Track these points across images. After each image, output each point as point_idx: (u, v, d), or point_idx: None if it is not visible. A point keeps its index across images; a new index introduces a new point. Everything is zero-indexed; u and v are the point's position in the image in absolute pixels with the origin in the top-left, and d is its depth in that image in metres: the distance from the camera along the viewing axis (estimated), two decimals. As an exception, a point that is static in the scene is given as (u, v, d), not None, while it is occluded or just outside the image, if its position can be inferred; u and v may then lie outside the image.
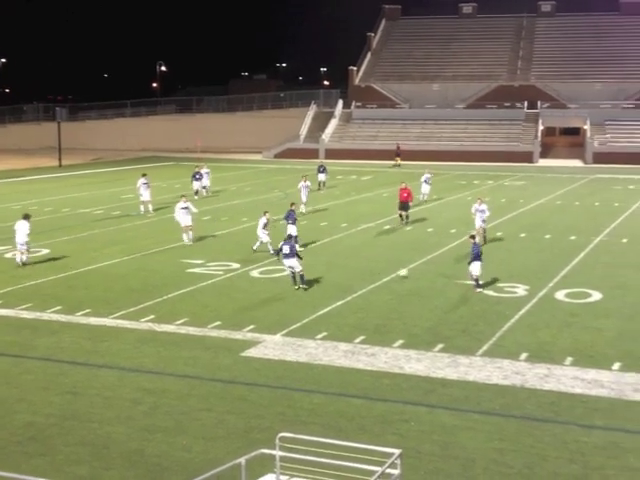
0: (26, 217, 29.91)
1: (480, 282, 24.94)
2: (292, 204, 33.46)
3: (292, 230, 30.71)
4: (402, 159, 72.10)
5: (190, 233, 33.38)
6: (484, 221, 32.26)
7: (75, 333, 20.87)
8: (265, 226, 30.51)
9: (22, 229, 29.20)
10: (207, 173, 50.20)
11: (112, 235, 35.43)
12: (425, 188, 45.37)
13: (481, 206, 32.20)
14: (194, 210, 34.28)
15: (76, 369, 18.22)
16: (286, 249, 25.03)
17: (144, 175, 43.69)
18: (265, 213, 30.77)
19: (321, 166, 54.37)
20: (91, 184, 57.23)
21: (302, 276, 25.16)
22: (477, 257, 24.64)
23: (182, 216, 33.50)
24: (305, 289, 24.94)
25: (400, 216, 37.67)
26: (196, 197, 46.68)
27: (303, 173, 46.42)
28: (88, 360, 18.79)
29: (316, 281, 26.36)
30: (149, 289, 25.37)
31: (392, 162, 71.63)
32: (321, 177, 53.12)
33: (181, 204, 33.81)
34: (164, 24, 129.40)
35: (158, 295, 24.54)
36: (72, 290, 25.44)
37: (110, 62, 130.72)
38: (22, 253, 29.27)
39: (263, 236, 30.49)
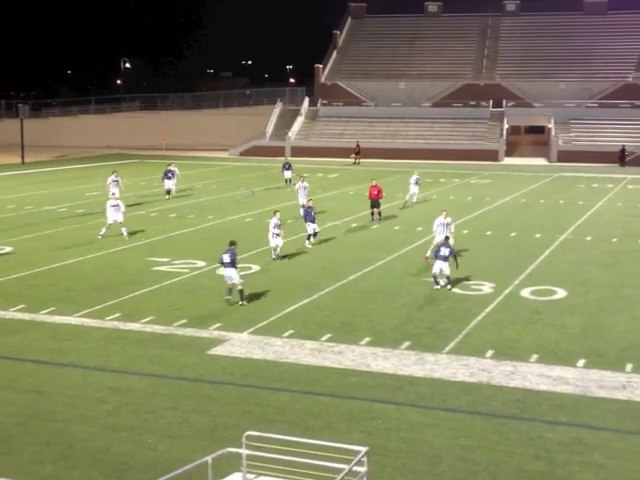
0: None
1: (439, 281, 25.05)
2: (310, 200, 34.31)
3: (312, 228, 31.82)
4: (363, 157, 72.33)
5: (124, 229, 33.68)
6: (447, 237, 27.26)
7: (39, 332, 20.65)
8: (277, 227, 28.82)
9: None
10: (173, 172, 49.48)
11: (77, 233, 35.11)
12: (414, 189, 43.77)
13: (446, 219, 29.08)
14: (123, 209, 34.19)
15: (40, 368, 18.03)
16: (226, 257, 22.77)
17: (114, 172, 43.80)
18: (275, 213, 29.16)
19: (286, 163, 54.51)
20: (55, 181, 56.69)
21: (241, 291, 22.89)
22: (445, 258, 24.63)
23: (112, 213, 33.78)
24: (242, 305, 22.78)
25: (372, 214, 37.76)
26: (167, 197, 45.66)
27: (300, 174, 44.75)
28: (52, 359, 18.60)
29: (283, 279, 26.32)
30: (114, 287, 25.17)
31: (351, 160, 71.93)
32: (287, 174, 53.31)
33: (111, 202, 34.42)
34: (128, 21, 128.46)
35: (123, 293, 24.35)
36: (36, 288, 25.17)
37: (74, 59, 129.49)
38: None
39: (273, 240, 28.81)
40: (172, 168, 47.85)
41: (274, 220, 28.82)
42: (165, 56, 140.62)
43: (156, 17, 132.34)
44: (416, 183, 43.87)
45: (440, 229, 28.22)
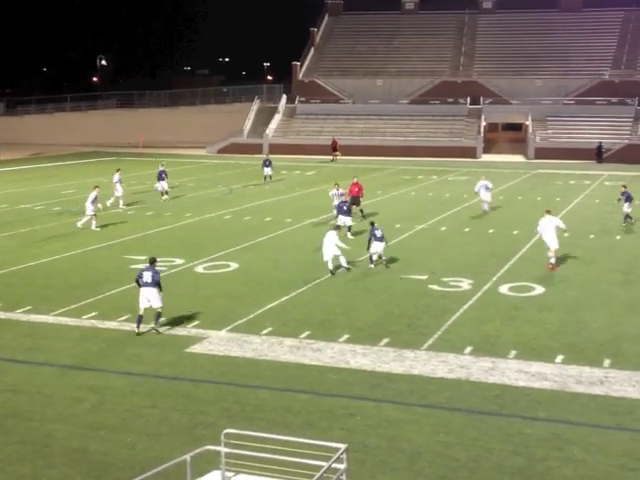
0: None
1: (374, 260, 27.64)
2: (342, 195, 34.49)
3: (346, 221, 32.31)
4: (342, 154, 72.58)
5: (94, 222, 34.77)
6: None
7: (15, 330, 20.48)
8: (381, 239, 27.77)
9: None
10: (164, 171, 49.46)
11: (53, 231, 34.85)
12: (485, 196, 40.02)
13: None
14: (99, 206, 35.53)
15: (16, 367, 17.88)
16: (147, 276, 20.02)
17: (118, 170, 43.51)
18: (336, 228, 28.07)
19: (267, 160, 54.51)
20: (31, 179, 56.28)
21: (159, 314, 20.25)
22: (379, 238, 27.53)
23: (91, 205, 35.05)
24: (157, 332, 20.17)
25: (361, 210, 37.84)
26: (164, 197, 44.19)
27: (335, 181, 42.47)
28: (29, 358, 18.45)
29: (261, 277, 26.26)
30: (91, 285, 25.01)
31: (330, 157, 72.15)
32: (267, 171, 53.42)
33: (93, 194, 35.29)
34: (105, 17, 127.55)
35: (100, 291, 24.21)
36: (12, 287, 24.97)
37: (49, 56, 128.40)
38: None
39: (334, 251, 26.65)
40: (164, 168, 47.04)
41: (332, 234, 26.64)
42: (141, 53, 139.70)
43: (133, 14, 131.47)
44: (487, 189, 40.00)
45: (549, 230, 27.68)
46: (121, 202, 42.19)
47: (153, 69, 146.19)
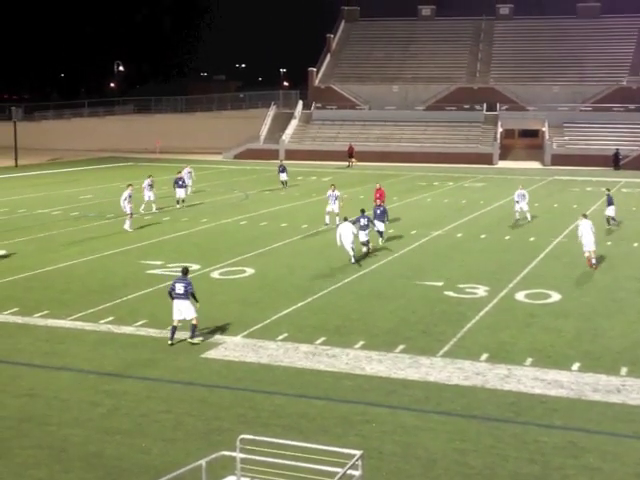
0: None
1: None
2: (375, 200, 34.52)
3: (379, 226, 32.17)
4: (358, 160, 72.64)
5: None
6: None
7: (32, 335, 20.58)
8: (365, 227, 29.99)
9: None
10: (190, 173, 50.19)
11: (71, 236, 35.02)
12: (523, 205, 39.07)
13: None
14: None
15: (33, 371, 17.96)
16: (179, 287, 19.71)
17: (150, 176, 43.65)
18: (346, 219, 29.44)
19: (281, 166, 54.70)
20: (48, 184, 56.55)
21: (194, 326, 19.84)
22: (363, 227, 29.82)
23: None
24: (193, 344, 19.79)
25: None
26: (178, 206, 43.56)
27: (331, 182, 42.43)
28: (46, 362, 18.54)
29: (277, 282, 26.29)
30: (108, 290, 25.10)
31: (346, 163, 72.23)
32: (283, 177, 53.63)
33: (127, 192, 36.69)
34: (122, 23, 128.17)
35: (117, 296, 24.30)
36: (30, 291, 25.10)
37: (67, 62, 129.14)
38: None
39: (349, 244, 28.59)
40: (185, 170, 48.27)
41: (347, 226, 28.74)
42: (159, 59, 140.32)
43: (149, 21, 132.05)
44: (523, 197, 39.13)
45: (587, 232, 28.60)
46: (154, 206, 42.40)
47: (167, 74, 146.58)
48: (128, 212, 36.63)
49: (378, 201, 34.70)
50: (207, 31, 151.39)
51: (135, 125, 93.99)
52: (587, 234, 28.51)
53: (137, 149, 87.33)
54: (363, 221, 30.18)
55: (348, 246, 28.60)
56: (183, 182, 44.59)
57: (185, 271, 20.29)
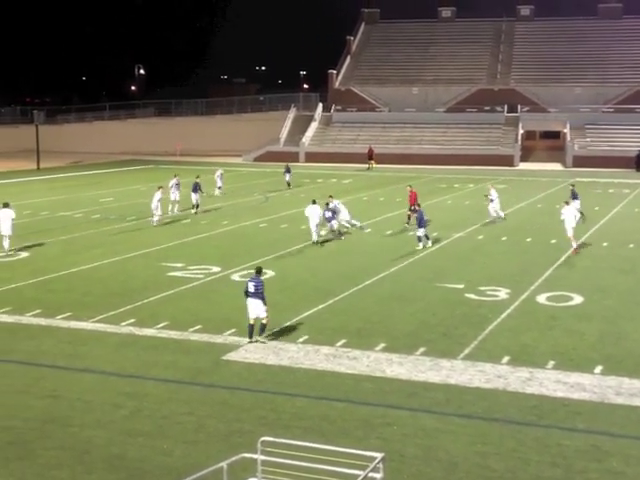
0: (7, 205, 32.25)
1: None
2: (416, 204, 35.21)
3: (418, 231, 32.43)
4: (377, 162, 72.65)
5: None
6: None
7: (55, 337, 20.70)
8: (330, 219, 33.76)
9: (7, 217, 31.61)
10: (221, 175, 51.71)
11: (92, 238, 35.21)
12: (495, 205, 40.06)
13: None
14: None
15: (56, 373, 18.07)
16: (251, 286, 19.82)
17: (176, 175, 44.19)
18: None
19: (286, 166, 56.76)
20: (70, 187, 56.90)
21: (264, 326, 20.01)
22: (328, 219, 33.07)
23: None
24: (263, 342, 20.05)
25: (408, 217, 37.89)
26: (193, 211, 42.81)
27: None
28: (68, 364, 18.64)
29: (298, 284, 26.31)
30: (129, 293, 25.21)
31: (366, 165, 72.26)
32: (287, 177, 55.68)
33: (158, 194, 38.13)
34: (143, 27, 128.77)
35: (138, 299, 24.39)
36: (52, 293, 25.25)
37: (88, 65, 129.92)
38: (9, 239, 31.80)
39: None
40: (218, 172, 50.86)
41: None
42: (179, 62, 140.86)
43: (170, 24, 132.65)
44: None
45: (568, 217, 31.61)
46: (176, 207, 42.50)
47: (186, 77, 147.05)
48: (159, 213, 38.57)
49: (417, 206, 34.66)
50: (227, 34, 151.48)
51: (156, 128, 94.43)
52: (568, 219, 31.36)
53: (158, 152, 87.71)
54: (327, 214, 33.84)
55: (313, 227, 32.87)
56: (198, 187, 43.51)
57: (259, 270, 20.49)
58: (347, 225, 36.05)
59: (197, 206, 43.25)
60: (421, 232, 32.37)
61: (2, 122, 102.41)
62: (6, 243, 31.82)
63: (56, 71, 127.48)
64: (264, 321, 19.94)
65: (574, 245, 31.33)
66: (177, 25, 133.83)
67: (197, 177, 44.97)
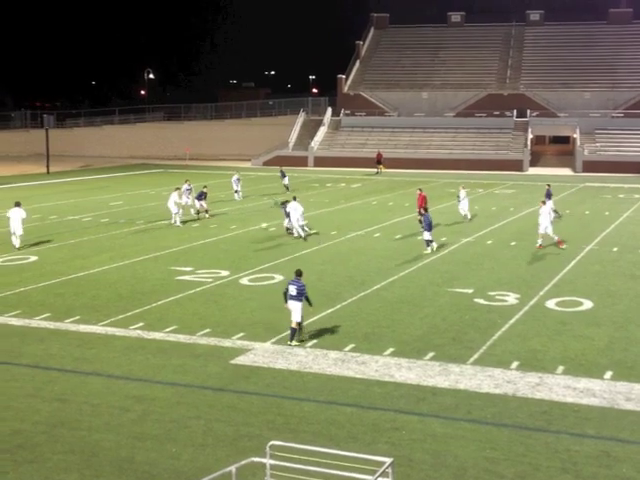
0: (18, 204, 33.88)
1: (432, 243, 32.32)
2: (422, 208, 35.70)
3: (425, 235, 32.63)
4: (387, 167, 72.65)
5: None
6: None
7: (64, 340, 20.72)
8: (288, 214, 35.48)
9: (18, 216, 33.19)
10: (238, 180, 51.81)
11: (101, 242, 35.26)
12: (463, 205, 41.90)
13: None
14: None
15: (65, 376, 18.07)
16: (292, 289, 20.03)
17: (187, 181, 44.85)
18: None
19: (281, 171, 57.71)
20: (79, 191, 57.02)
21: (300, 328, 20.37)
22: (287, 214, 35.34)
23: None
24: (301, 342, 20.26)
25: (420, 221, 37.98)
26: (196, 216, 42.38)
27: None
28: (77, 367, 18.65)
29: (307, 289, 26.24)
30: (138, 296, 25.23)
31: (370, 170, 72.21)
32: (285, 181, 56.21)
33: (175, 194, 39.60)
34: (152, 31, 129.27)
35: (147, 302, 24.40)
36: (61, 297, 25.28)
37: (97, 69, 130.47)
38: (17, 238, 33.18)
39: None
40: (234, 177, 51.48)
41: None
42: (188, 67, 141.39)
43: (179, 28, 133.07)
44: (464, 197, 42.00)
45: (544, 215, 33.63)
46: (192, 211, 42.54)
47: (195, 81, 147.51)
48: (175, 211, 39.59)
49: (422, 210, 34.94)
50: (236, 38, 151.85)
51: (165, 132, 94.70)
52: (544, 218, 33.43)
53: (167, 156, 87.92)
54: (286, 209, 36.10)
55: (295, 222, 35.27)
56: (205, 196, 43.01)
57: (299, 273, 20.49)
58: (296, 227, 36.03)
59: (204, 211, 42.82)
60: (427, 236, 32.45)
61: (12, 126, 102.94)
62: (17, 241, 33.23)
63: (66, 76, 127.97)
64: (296, 326, 20.17)
65: (539, 241, 33.48)
66: (187, 30, 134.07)
67: (204, 187, 43.92)
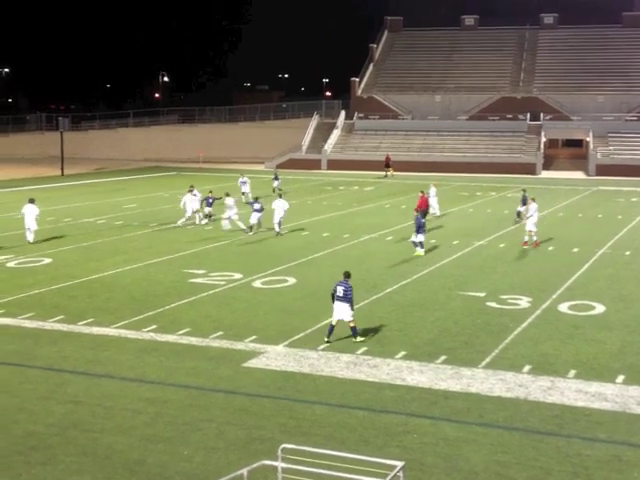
0: (32, 201, 35.82)
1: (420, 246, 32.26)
2: (416, 210, 35.33)
3: (413, 236, 32.64)
4: (400, 170, 72.54)
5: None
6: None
7: (77, 343, 20.84)
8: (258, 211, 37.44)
9: (31, 213, 35.11)
10: (245, 182, 52.22)
11: (115, 245, 35.41)
12: (433, 203, 43.56)
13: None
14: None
15: (78, 379, 18.18)
16: (340, 290, 20.45)
17: (192, 187, 43.60)
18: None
19: (275, 174, 58.62)
20: (93, 194, 57.26)
21: (354, 328, 20.69)
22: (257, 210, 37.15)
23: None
24: (361, 341, 20.66)
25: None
26: (206, 221, 41.95)
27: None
28: (90, 370, 18.75)
29: (319, 292, 26.32)
30: (151, 299, 25.34)
31: (382, 173, 72.01)
32: (275, 184, 56.15)
33: (188, 196, 40.70)
34: (166, 35, 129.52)
35: (160, 305, 24.51)
36: (74, 300, 25.41)
37: (113, 72, 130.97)
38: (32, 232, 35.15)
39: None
40: (240, 180, 52.17)
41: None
42: (203, 70, 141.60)
43: (194, 31, 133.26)
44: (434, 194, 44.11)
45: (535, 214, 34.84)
46: (197, 217, 42.38)
47: (210, 84, 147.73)
48: (189, 214, 40.55)
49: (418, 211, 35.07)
50: (250, 42, 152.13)
51: (179, 135, 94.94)
52: (534, 216, 34.40)
53: (181, 159, 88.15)
54: (257, 206, 37.88)
55: (277, 218, 37.22)
56: (213, 201, 42.61)
57: (348, 274, 20.79)
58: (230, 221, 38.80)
59: (210, 216, 42.41)
60: (416, 238, 32.58)
61: (27, 129, 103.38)
62: (30, 236, 35.25)
63: (81, 78, 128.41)
64: (352, 324, 20.54)
65: (526, 239, 34.85)
66: (201, 32, 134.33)
67: (210, 192, 43.49)
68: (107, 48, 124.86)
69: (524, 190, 43.92)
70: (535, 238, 34.83)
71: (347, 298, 20.31)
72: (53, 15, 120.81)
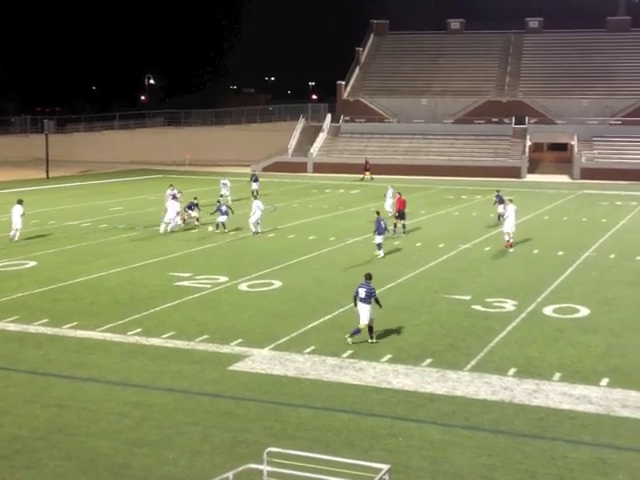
0: (20, 202, 37.21)
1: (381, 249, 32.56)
2: (378, 212, 34.85)
3: (376, 238, 32.91)
4: (384, 173, 72.54)
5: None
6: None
7: (62, 346, 20.75)
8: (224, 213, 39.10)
9: (17, 212, 36.66)
10: (225, 184, 52.31)
11: (100, 248, 35.30)
12: (388, 204, 44.95)
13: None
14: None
15: (62, 382, 18.10)
16: (362, 292, 20.64)
17: (171, 186, 44.45)
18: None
19: (253, 175, 58.07)
20: (78, 196, 57.08)
21: (370, 328, 20.79)
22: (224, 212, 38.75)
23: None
24: (373, 343, 20.80)
25: (395, 225, 38.22)
26: (197, 223, 41.70)
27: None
28: (74, 373, 18.68)
29: (304, 295, 26.33)
30: (136, 302, 25.26)
31: (360, 176, 71.87)
32: (254, 186, 55.47)
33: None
34: (152, 36, 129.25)
35: (145, 308, 24.44)
36: (59, 303, 25.31)
37: (98, 75, 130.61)
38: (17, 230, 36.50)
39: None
40: (222, 181, 52.35)
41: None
42: (188, 72, 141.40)
43: (180, 34, 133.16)
44: (391, 196, 44.86)
45: (512, 215, 35.27)
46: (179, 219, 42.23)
47: (196, 87, 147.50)
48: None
49: (396, 213, 35.66)
50: (236, 44, 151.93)
51: (165, 138, 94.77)
52: (512, 217, 34.88)
53: (167, 161, 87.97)
54: (223, 209, 39.27)
55: (255, 218, 38.33)
56: (195, 206, 42.24)
57: (369, 276, 21.12)
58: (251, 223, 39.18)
59: (194, 219, 41.98)
60: (376, 240, 32.90)
61: (12, 131, 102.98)
62: (15, 235, 36.54)
63: (66, 81, 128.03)
64: (364, 325, 20.70)
65: (506, 237, 35.42)
66: (187, 35, 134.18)
67: (194, 198, 43.10)
68: (92, 51, 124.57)
69: (497, 190, 45.12)
70: (511, 239, 35.30)
71: (369, 299, 20.57)
72: (38, 19, 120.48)
